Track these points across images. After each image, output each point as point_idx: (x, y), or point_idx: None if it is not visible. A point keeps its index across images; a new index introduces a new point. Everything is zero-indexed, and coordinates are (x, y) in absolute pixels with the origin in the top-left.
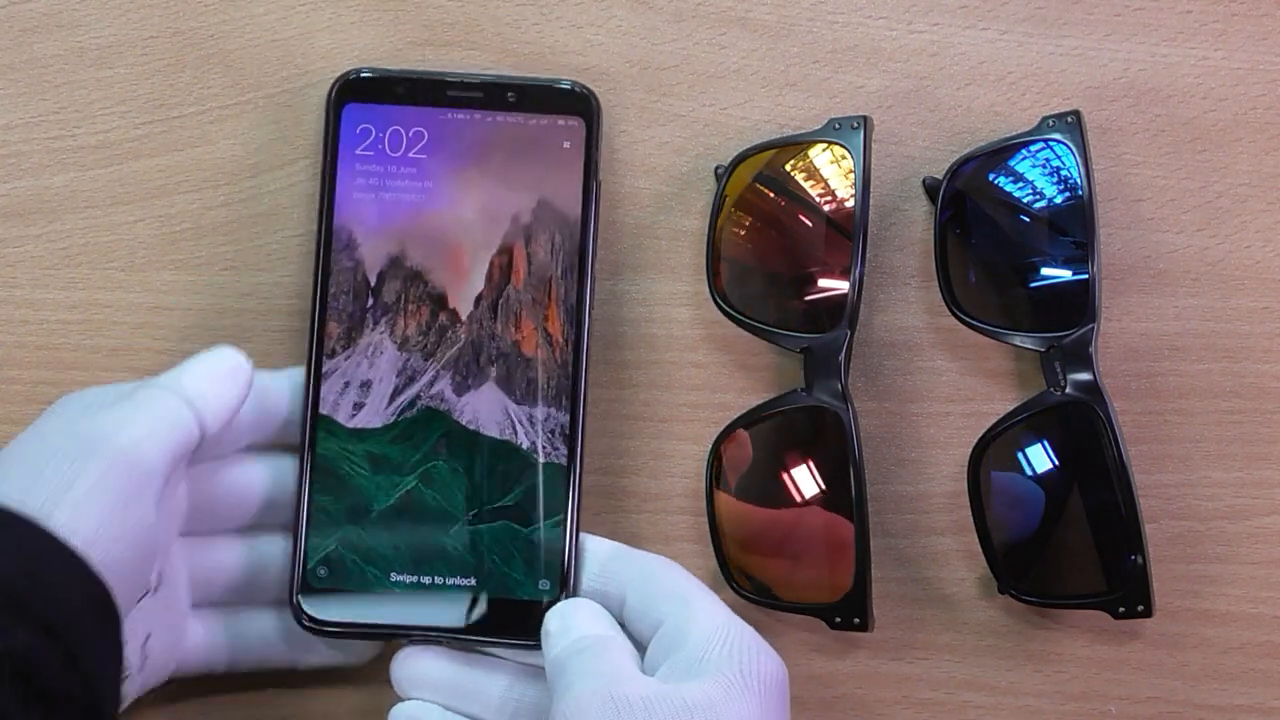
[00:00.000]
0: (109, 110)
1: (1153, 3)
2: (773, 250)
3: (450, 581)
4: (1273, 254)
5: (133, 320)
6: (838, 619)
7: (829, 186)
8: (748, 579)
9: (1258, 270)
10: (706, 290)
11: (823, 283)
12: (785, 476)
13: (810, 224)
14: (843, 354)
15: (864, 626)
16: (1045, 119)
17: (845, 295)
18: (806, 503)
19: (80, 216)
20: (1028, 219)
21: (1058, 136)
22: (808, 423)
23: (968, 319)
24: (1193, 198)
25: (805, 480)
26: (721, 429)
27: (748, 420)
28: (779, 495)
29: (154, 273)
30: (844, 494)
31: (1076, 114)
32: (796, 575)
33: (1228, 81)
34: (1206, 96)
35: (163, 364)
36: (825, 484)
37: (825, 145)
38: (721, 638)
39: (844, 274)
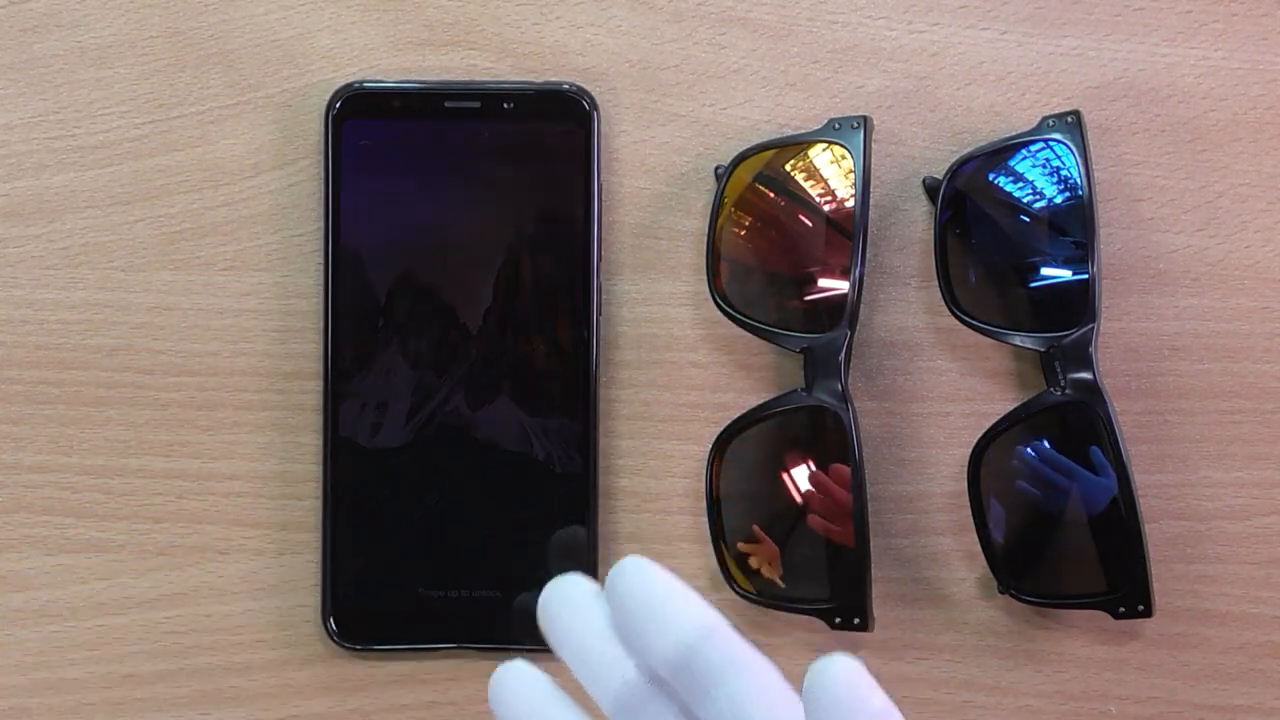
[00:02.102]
0: (109, 110)
1: (1153, 3)
2: (773, 250)
3: (477, 594)
4: (1273, 254)
5: (133, 320)
6: (838, 619)
7: (829, 186)
8: (748, 579)
9: (1258, 270)
10: (706, 290)
11: (823, 283)
12: (785, 476)
13: (810, 224)
14: (843, 354)
15: (864, 626)
16: (1045, 119)
17: (845, 295)
18: (807, 503)
19: (80, 216)
20: (1028, 219)
21: (1058, 136)
22: (808, 423)
23: (968, 319)
24: (1193, 198)
25: (805, 481)
26: (721, 429)
27: (748, 420)
28: (779, 495)
29: (154, 273)
30: (844, 495)
31: (1076, 114)
32: (796, 575)
33: (1228, 81)
34: (1206, 96)
35: (163, 364)
36: (826, 485)
37: (825, 145)
38: None
39: (844, 274)
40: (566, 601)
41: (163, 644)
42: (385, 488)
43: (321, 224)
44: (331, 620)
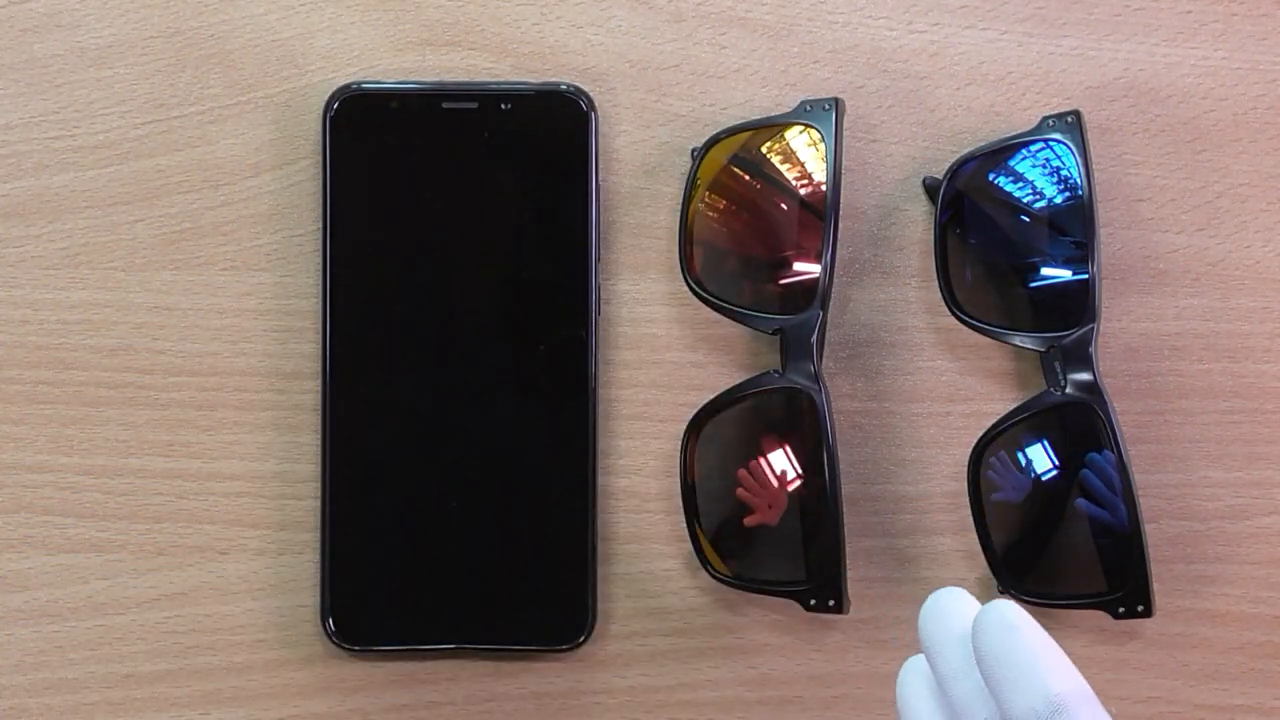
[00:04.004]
0: (109, 110)
1: (1153, 3)
2: (745, 232)
3: (477, 594)
4: (1273, 254)
5: (133, 320)
6: (813, 601)
7: (802, 168)
8: (722, 562)
9: (1258, 270)
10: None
11: (795, 265)
12: (759, 458)
13: (783, 206)
14: (815, 335)
15: (839, 609)
16: (1045, 119)
17: (817, 277)
18: (781, 484)
19: (80, 216)
20: (1028, 219)
21: (1058, 136)
22: (781, 404)
23: (968, 319)
24: (1193, 198)
25: (780, 462)
26: (696, 410)
27: (721, 403)
28: (753, 477)
29: (154, 273)
30: (818, 475)
31: (1076, 114)
32: (771, 558)
33: (1228, 81)
34: (1206, 96)
35: (163, 364)
36: (799, 466)
37: (798, 128)
38: None
39: (816, 256)
40: (944, 620)
41: (163, 644)
42: (385, 488)
43: (321, 224)
44: (331, 620)
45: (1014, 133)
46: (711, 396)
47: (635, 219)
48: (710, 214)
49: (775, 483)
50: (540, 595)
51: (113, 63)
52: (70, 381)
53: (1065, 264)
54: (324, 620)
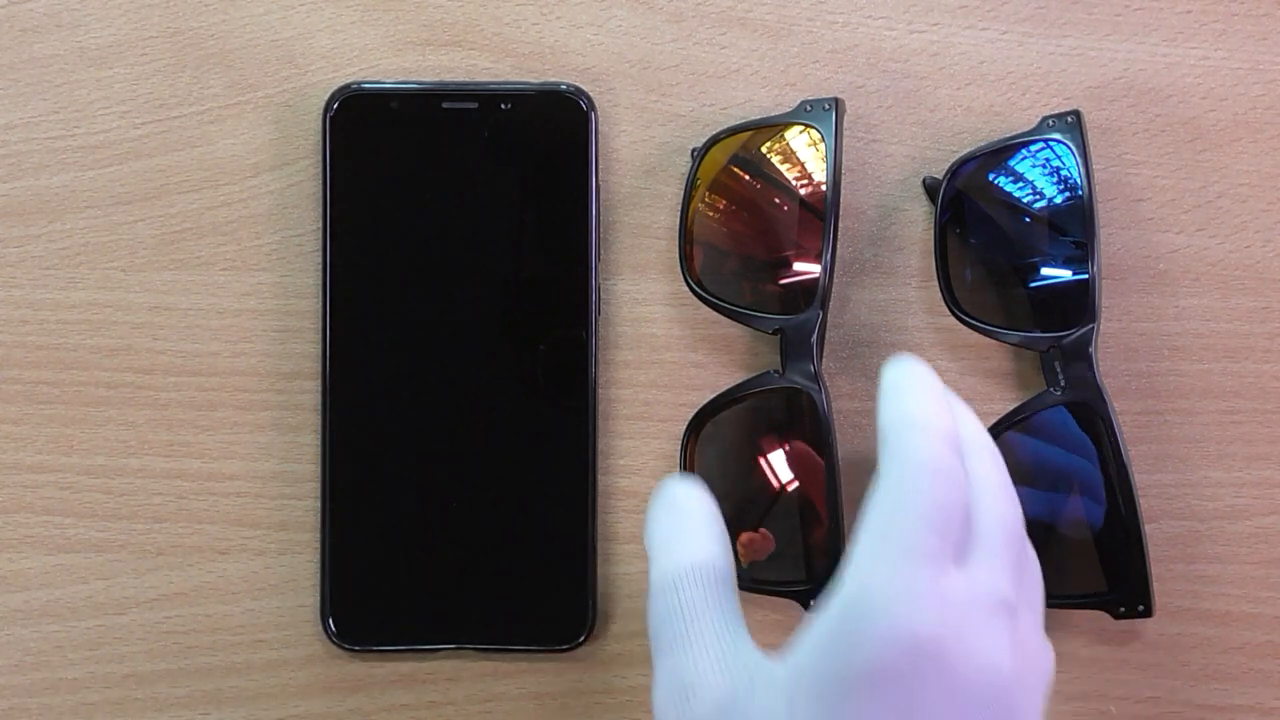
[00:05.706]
0: (109, 110)
1: (1153, 3)
2: (745, 232)
3: (477, 594)
4: (1273, 254)
5: (133, 320)
6: (813, 601)
7: (802, 168)
8: None
9: (1258, 270)
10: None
11: (795, 265)
12: (759, 458)
13: (783, 206)
14: (815, 335)
15: None
16: (1045, 119)
17: (817, 277)
18: (781, 485)
19: (80, 216)
20: (1028, 219)
21: (1058, 136)
22: (781, 404)
23: (968, 319)
24: (1193, 198)
25: (779, 462)
26: (696, 410)
27: (721, 402)
28: (753, 477)
29: (154, 273)
30: (818, 476)
31: (1076, 114)
32: (771, 557)
33: (1228, 81)
34: (1206, 96)
35: (163, 364)
36: (799, 466)
37: (798, 128)
38: None
39: (816, 256)
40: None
41: (163, 644)
42: (384, 488)
43: (321, 224)
44: (331, 620)
45: (1014, 133)
46: (711, 396)
47: (635, 219)
48: (710, 214)
49: (775, 483)
50: (540, 595)
51: (113, 63)
52: (70, 381)
53: (1065, 264)
54: (324, 620)
